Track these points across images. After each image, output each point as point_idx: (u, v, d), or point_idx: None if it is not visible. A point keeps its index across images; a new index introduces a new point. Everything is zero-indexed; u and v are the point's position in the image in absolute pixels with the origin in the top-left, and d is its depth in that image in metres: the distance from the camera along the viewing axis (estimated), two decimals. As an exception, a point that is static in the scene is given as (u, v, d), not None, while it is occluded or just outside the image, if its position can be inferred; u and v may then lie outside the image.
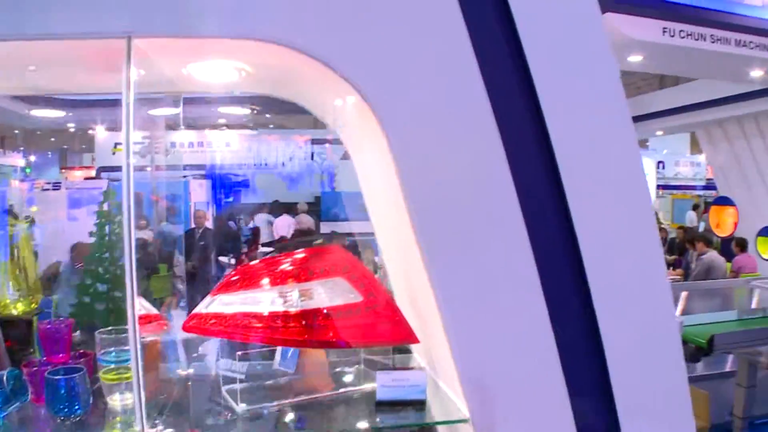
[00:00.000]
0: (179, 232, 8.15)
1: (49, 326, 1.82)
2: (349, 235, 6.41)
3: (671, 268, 11.85)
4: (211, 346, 1.97)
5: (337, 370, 1.87)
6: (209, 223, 9.92)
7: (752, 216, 11.61)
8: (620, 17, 5.68)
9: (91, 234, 2.22)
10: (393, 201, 1.51)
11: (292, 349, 1.76)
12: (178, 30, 1.32)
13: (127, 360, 1.54)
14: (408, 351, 1.99)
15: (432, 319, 1.52)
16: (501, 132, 1.42)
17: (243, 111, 10.53)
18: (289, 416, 1.65)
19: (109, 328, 1.70)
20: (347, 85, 1.35)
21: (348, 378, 1.85)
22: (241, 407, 1.59)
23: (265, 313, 1.51)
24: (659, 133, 17.32)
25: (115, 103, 1.42)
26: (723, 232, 12.58)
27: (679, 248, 11.40)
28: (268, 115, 14.76)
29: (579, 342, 1.48)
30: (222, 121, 14.62)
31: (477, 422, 1.45)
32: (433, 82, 1.42)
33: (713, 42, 6.09)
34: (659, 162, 23.20)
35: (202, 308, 1.62)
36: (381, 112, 1.35)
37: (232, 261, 8.23)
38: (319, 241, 8.25)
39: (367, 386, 1.76)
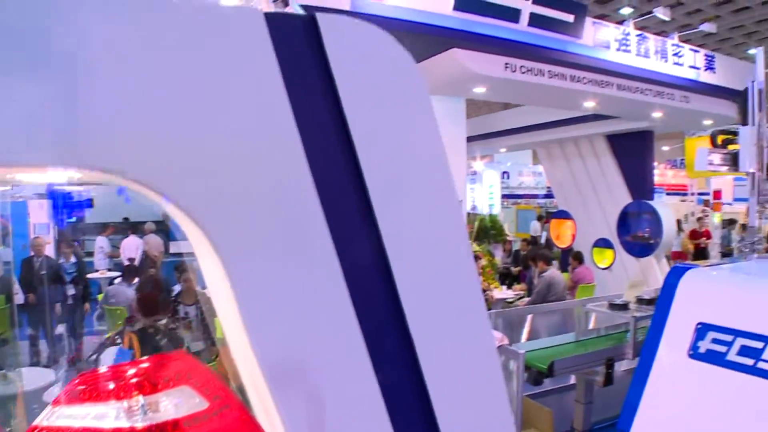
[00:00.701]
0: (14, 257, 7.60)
1: None
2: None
3: (516, 281, 12.65)
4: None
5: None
6: (51, 249, 9.30)
7: (588, 228, 12.66)
8: (465, 53, 6.02)
9: None
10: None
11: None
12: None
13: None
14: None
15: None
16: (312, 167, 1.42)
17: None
18: None
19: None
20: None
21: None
22: None
23: (110, 429, 1.48)
24: (502, 150, 18.38)
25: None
26: (562, 243, 13.62)
27: (524, 261, 12.16)
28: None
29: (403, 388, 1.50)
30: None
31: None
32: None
33: (551, 77, 6.61)
34: (504, 172, 24.53)
35: (42, 420, 1.55)
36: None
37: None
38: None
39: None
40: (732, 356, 3.21)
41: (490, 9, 5.81)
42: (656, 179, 14.31)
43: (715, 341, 3.27)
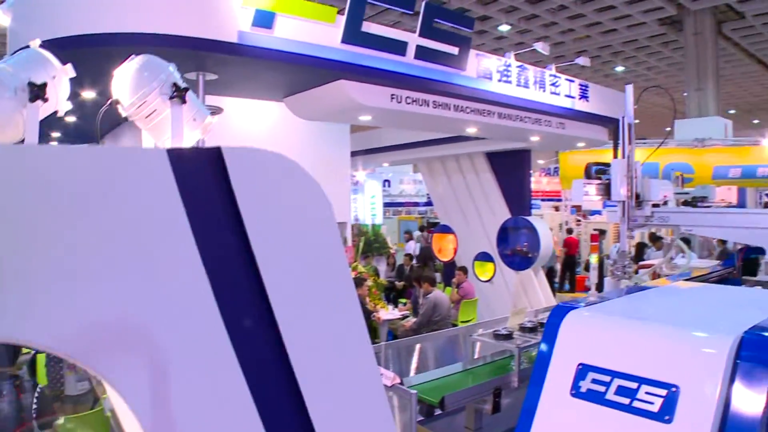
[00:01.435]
0: None
1: None
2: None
3: (401, 296, 12.94)
4: None
5: None
6: None
7: (469, 242, 13.16)
8: (352, 84, 6.13)
9: None
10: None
11: None
12: None
13: None
14: None
15: None
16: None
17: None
18: None
19: None
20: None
21: None
22: None
23: None
24: (385, 164, 18.71)
25: None
26: (444, 257, 14.08)
27: (408, 280, 12.47)
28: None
29: None
30: None
31: None
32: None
33: (435, 107, 6.86)
34: (385, 180, 24.92)
35: None
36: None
37: None
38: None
39: None
40: (610, 395, 3.48)
41: (377, 42, 5.96)
42: (532, 186, 15.05)
43: (594, 381, 3.52)
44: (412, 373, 6.02)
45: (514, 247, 11.76)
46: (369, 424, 1.72)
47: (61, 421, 4.17)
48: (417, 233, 20.85)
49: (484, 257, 12.74)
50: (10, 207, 1.19)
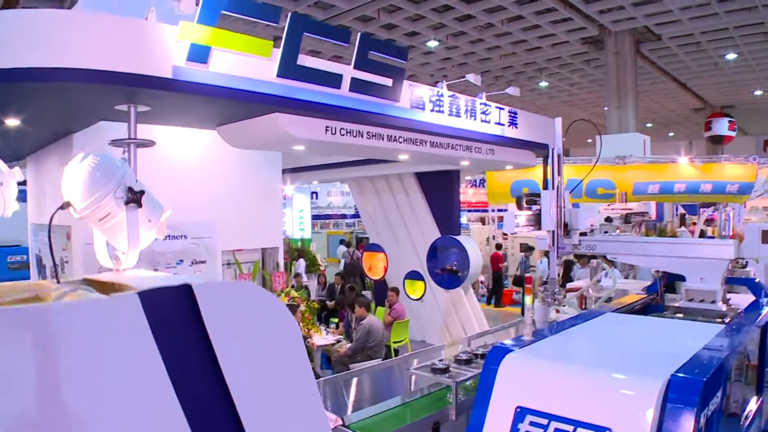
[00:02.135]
0: None
1: None
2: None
3: (332, 315, 12.95)
4: None
5: None
6: None
7: (399, 261, 13.30)
8: (286, 117, 6.16)
9: None
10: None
11: None
12: None
13: None
14: None
15: None
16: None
17: None
18: None
19: None
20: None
21: None
22: None
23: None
24: (315, 182, 18.69)
25: None
26: (375, 275, 14.19)
27: (341, 303, 12.51)
28: None
29: None
30: None
31: None
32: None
33: (369, 138, 6.96)
34: (312, 192, 24.84)
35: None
36: None
37: None
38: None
39: None
40: (548, 438, 3.64)
41: (313, 76, 6.00)
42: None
43: (532, 424, 3.65)
44: (349, 409, 6.07)
45: (444, 266, 11.98)
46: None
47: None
48: (342, 248, 20.89)
49: (415, 276, 12.92)
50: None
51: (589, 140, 31.93)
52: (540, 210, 6.55)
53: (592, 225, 6.76)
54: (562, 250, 6.75)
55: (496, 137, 8.43)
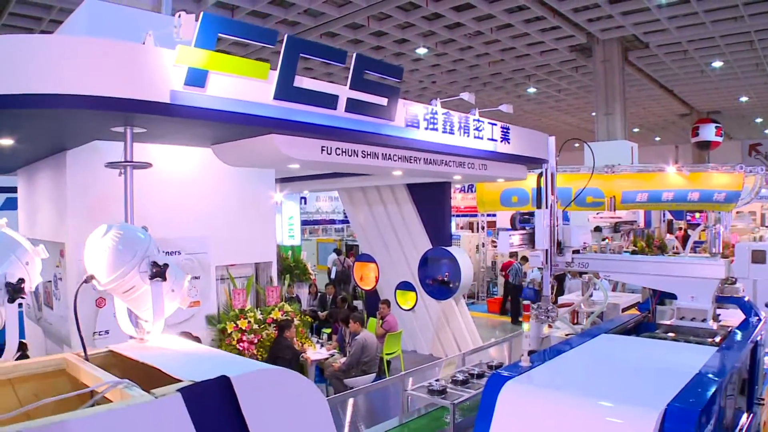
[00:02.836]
0: None
1: None
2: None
3: (324, 325, 12.96)
4: None
5: None
6: None
7: (391, 271, 13.33)
8: (282, 138, 6.18)
9: None
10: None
11: None
12: None
13: None
14: None
15: None
16: None
17: None
18: None
19: None
20: None
21: None
22: None
23: None
24: (305, 192, 18.69)
25: None
26: (367, 285, 14.20)
27: (333, 316, 12.52)
28: None
29: None
30: None
31: None
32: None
33: (364, 157, 7.01)
34: (301, 198, 24.78)
35: None
36: None
37: None
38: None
39: None
40: (548, 467, 3.68)
41: (309, 97, 6.03)
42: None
43: (532, 453, 3.71)
44: (346, 429, 6.12)
45: (435, 276, 12.01)
46: None
47: None
48: (333, 256, 20.85)
49: (406, 286, 12.95)
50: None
51: (576, 144, 32.17)
52: (534, 229, 6.62)
53: (585, 243, 6.80)
54: (555, 268, 6.81)
55: (488, 153, 8.50)
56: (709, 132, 30.51)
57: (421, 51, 22.86)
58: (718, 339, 5.25)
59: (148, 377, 1.72)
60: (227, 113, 5.47)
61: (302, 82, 6.02)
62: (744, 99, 32.17)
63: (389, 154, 7.30)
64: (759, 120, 37.32)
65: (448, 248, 11.69)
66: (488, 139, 8.38)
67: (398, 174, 8.56)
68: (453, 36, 21.56)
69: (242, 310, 8.00)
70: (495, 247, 21.16)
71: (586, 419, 3.63)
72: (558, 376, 4.35)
